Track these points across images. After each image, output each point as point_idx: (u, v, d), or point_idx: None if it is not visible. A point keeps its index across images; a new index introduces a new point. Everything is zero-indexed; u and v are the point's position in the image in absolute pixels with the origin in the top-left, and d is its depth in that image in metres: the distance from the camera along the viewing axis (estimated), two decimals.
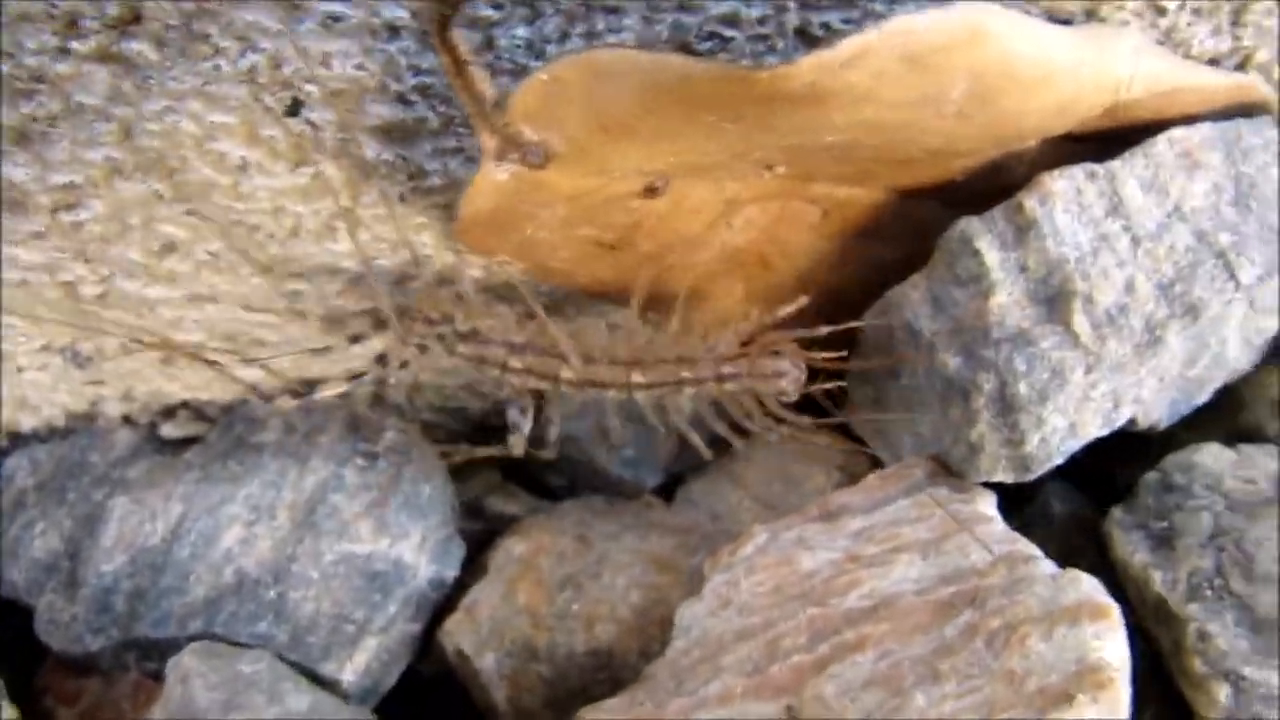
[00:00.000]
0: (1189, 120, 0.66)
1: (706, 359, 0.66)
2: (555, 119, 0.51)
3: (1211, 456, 0.66)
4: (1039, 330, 0.62)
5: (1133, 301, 0.63)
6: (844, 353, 0.66)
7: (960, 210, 0.66)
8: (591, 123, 0.52)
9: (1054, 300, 0.63)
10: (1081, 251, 0.63)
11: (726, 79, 0.50)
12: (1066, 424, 0.62)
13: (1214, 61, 0.67)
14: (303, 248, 0.67)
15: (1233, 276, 0.63)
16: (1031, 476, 0.63)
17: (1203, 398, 0.67)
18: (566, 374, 0.67)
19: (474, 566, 0.74)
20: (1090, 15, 0.62)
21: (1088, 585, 0.58)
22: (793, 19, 0.59)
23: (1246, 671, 0.58)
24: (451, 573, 0.73)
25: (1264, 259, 0.64)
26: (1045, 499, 0.74)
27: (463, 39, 0.49)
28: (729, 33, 0.59)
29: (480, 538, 0.76)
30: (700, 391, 0.66)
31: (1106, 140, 0.66)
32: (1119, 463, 0.71)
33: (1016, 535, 0.62)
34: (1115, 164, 0.64)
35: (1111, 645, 0.56)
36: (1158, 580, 0.62)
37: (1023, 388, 0.62)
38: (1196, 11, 0.64)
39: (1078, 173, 0.64)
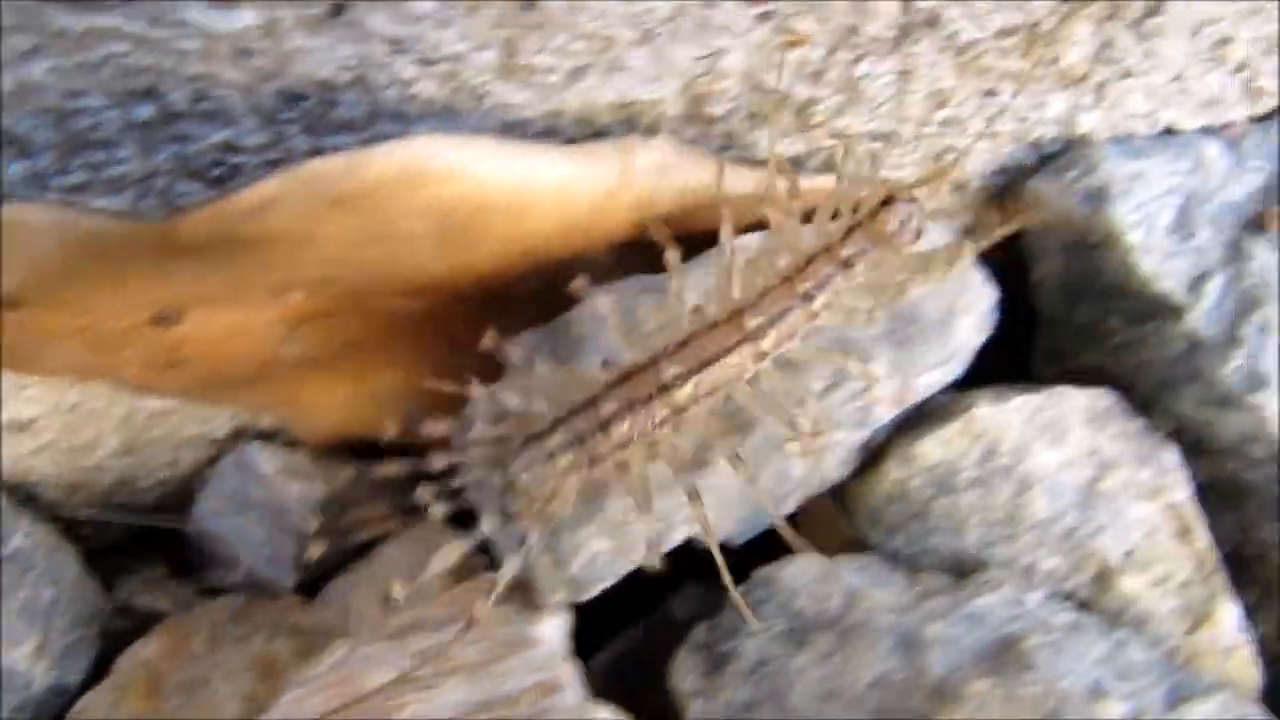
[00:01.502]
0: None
1: (815, 258, 0.57)
2: None
3: (799, 569, 0.64)
4: None
5: None
6: None
7: (555, 313, 0.65)
8: (25, 271, 0.51)
9: None
10: None
11: (125, 234, 0.49)
12: (611, 546, 0.61)
13: (797, 163, 0.65)
14: None
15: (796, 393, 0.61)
16: (586, 597, 0.62)
17: (784, 510, 0.65)
18: (670, 370, 0.56)
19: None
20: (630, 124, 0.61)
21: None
22: (301, 143, 0.58)
23: None
24: (76, 678, 0.73)
25: (830, 369, 0.62)
26: (669, 604, 0.72)
27: None
28: (236, 159, 0.58)
29: (130, 637, 0.77)
30: (830, 293, 0.57)
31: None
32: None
33: (560, 662, 0.60)
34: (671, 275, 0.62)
35: None
36: (695, 710, 0.60)
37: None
38: (753, 117, 0.62)
39: (631, 286, 0.62)
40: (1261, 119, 0.70)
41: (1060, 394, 0.65)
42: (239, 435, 0.76)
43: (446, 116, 0.58)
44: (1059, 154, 0.68)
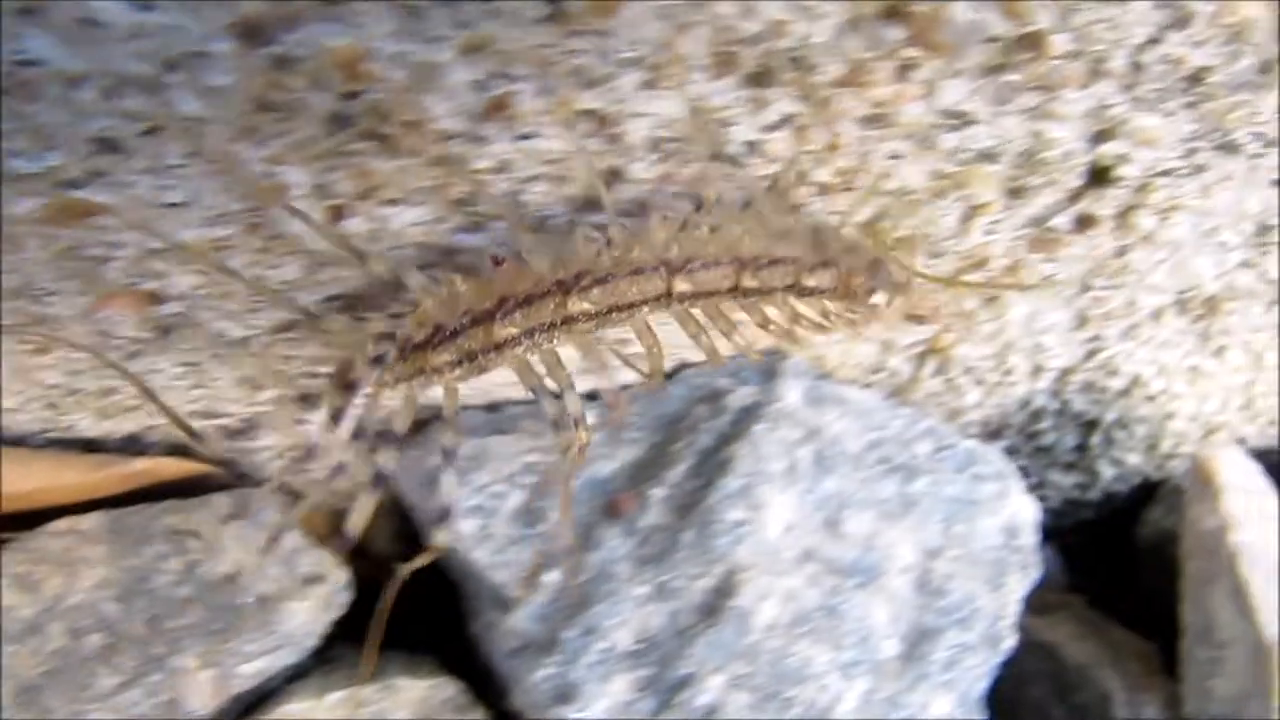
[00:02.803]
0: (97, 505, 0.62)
1: (778, 264, 0.55)
2: None
3: None
4: None
5: None
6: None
7: None
8: None
9: None
10: None
11: None
12: None
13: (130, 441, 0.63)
14: None
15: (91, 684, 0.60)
16: None
17: None
18: (579, 305, 0.53)
19: None
20: None
21: None
22: None
23: None
24: None
25: (138, 661, 0.60)
26: None
27: None
28: None
29: None
30: (763, 303, 0.55)
31: None
32: None
33: None
34: None
35: None
36: None
37: None
38: (52, 407, 0.61)
39: None
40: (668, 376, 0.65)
41: (393, 687, 0.62)
42: None
43: None
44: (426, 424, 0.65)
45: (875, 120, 0.53)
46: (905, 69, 0.51)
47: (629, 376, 0.64)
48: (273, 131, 0.48)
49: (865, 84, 0.51)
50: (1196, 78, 0.55)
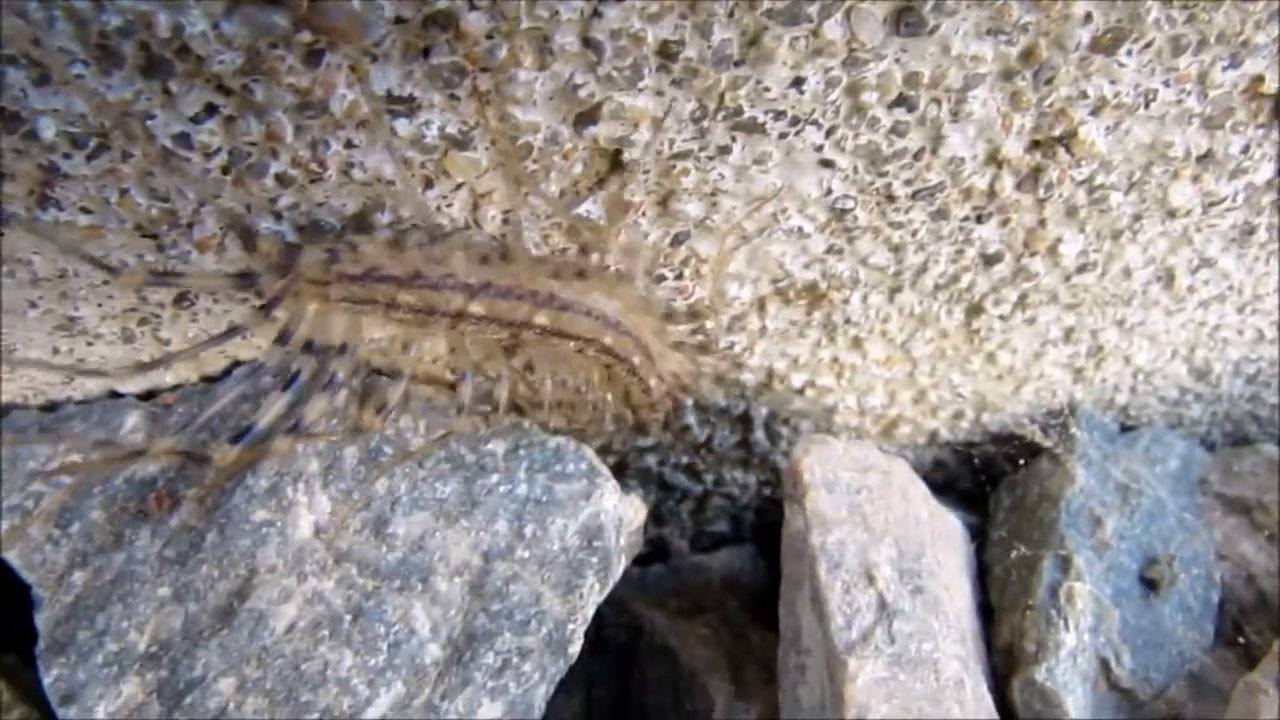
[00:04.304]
0: None
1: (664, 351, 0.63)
2: None
3: None
4: None
5: None
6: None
7: None
8: None
9: None
10: None
11: None
12: None
13: None
14: None
15: None
16: None
17: None
18: (540, 319, 0.57)
19: None
20: None
21: None
22: None
23: None
24: None
25: None
26: None
27: None
28: None
29: None
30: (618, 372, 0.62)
31: None
32: None
33: None
34: None
35: None
36: None
37: None
38: None
39: None
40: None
41: None
42: None
43: None
44: None
45: (306, 109, 0.51)
46: (313, 54, 0.49)
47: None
48: None
49: (273, 71, 0.49)
50: (668, 53, 0.52)
